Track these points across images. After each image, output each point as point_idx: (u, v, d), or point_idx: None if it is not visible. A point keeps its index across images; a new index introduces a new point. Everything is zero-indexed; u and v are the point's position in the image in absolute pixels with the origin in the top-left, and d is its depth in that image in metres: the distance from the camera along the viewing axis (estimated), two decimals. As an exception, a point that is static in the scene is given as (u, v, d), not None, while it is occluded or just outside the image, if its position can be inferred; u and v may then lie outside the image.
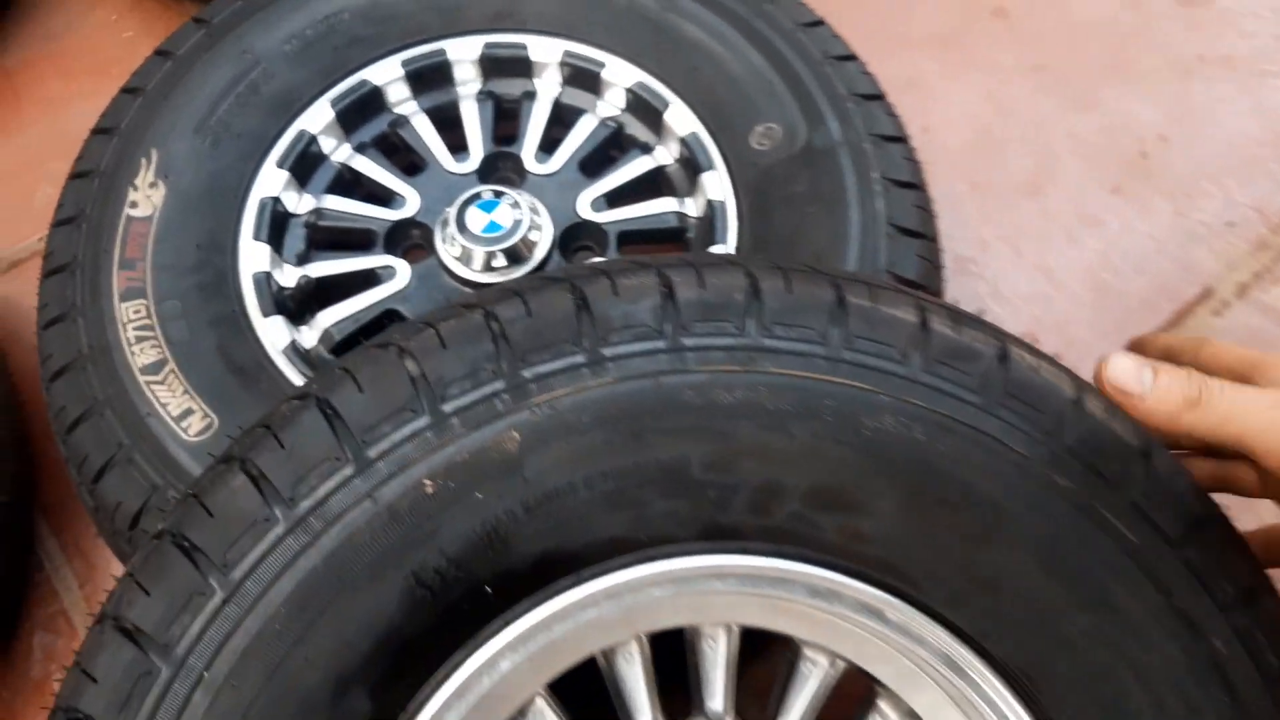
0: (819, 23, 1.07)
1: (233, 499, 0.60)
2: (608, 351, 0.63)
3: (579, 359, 0.63)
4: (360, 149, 1.12)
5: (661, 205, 1.09)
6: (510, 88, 1.16)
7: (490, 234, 1.00)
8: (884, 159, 0.97)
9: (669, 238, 1.08)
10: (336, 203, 1.09)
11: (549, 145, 1.13)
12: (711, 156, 1.03)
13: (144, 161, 1.01)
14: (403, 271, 1.04)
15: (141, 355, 0.90)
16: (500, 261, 1.01)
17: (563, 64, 1.12)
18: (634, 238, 1.08)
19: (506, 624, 0.63)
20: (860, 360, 0.62)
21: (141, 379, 0.89)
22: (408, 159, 1.14)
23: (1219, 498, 0.66)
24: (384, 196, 1.10)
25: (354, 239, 1.08)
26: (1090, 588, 0.62)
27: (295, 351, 0.94)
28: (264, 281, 0.97)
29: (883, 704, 0.73)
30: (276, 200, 1.03)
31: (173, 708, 0.57)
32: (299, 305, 1.02)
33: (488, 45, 1.12)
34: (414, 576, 0.60)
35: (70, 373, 0.91)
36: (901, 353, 0.63)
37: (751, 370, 0.62)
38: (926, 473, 0.61)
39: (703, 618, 0.72)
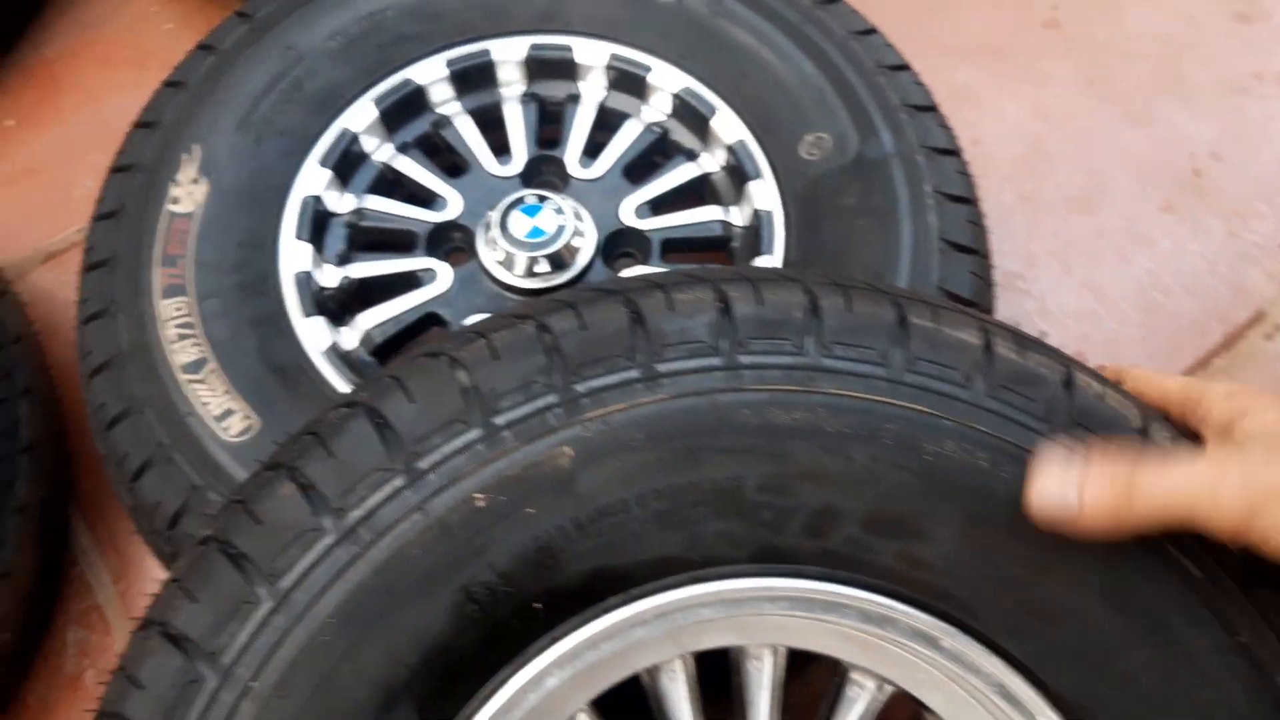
0: (872, 31, 1.06)
1: (281, 507, 0.60)
2: (662, 367, 0.62)
3: (633, 374, 0.62)
4: (402, 149, 1.11)
5: (706, 214, 1.07)
6: (554, 90, 1.15)
7: (533, 239, 0.99)
8: (937, 172, 0.96)
9: (713, 246, 1.07)
10: (378, 203, 1.08)
11: (592, 150, 1.12)
12: (759, 165, 1.02)
13: (185, 157, 1.01)
14: (444, 274, 1.03)
15: (182, 353, 0.89)
16: (543, 267, 1.00)
17: (608, 67, 1.11)
18: (678, 246, 1.06)
19: (554, 641, 0.62)
20: (922, 383, 0.61)
21: (182, 377, 0.88)
22: (449, 160, 1.13)
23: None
24: (425, 198, 1.09)
25: (395, 240, 1.07)
26: (1151, 621, 0.60)
27: (335, 353, 0.93)
28: (305, 281, 0.97)
29: (931, 731, 0.72)
30: (318, 199, 1.02)
31: (219, 717, 0.57)
32: (340, 306, 1.01)
33: (533, 47, 1.11)
34: (464, 591, 0.59)
35: (110, 369, 0.90)
36: (965, 376, 0.61)
37: (810, 390, 0.61)
38: (988, 500, 0.60)
39: (750, 638, 0.70)
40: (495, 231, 1.00)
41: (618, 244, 1.07)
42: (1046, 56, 1.42)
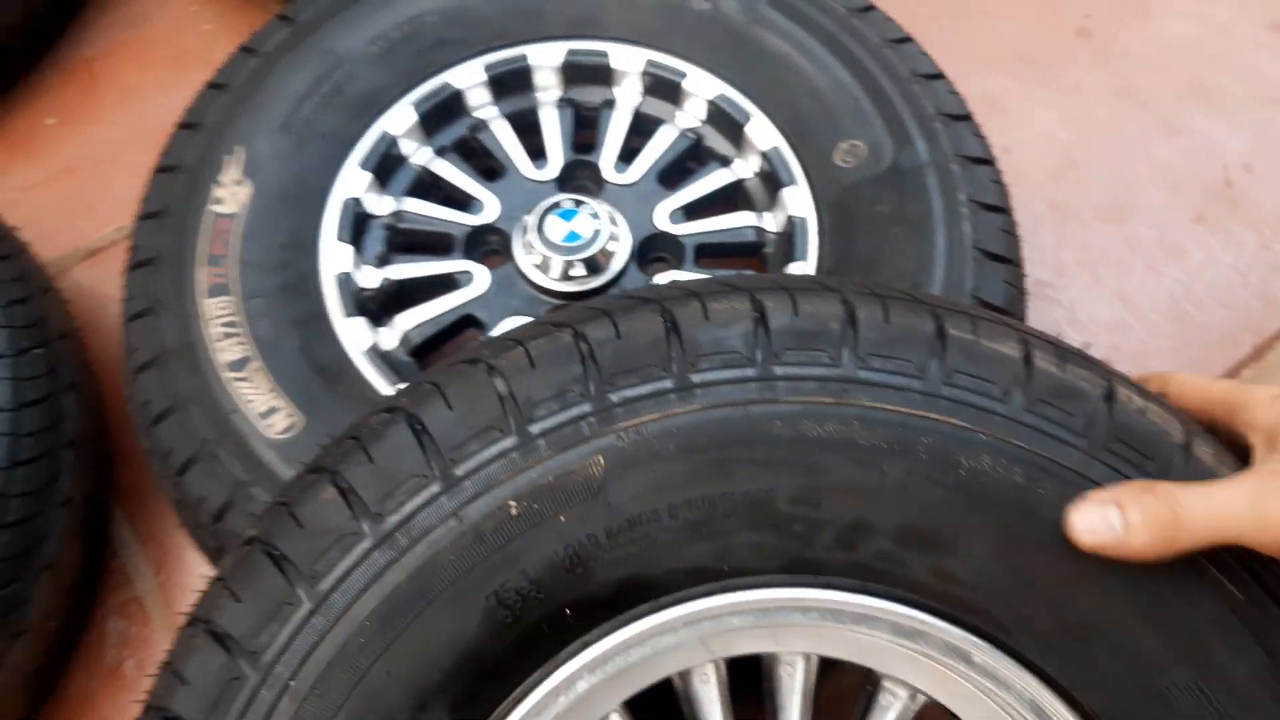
0: (907, 39, 1.05)
1: (322, 511, 0.61)
2: (696, 378, 0.62)
3: (667, 384, 0.62)
4: (440, 152, 1.12)
5: (740, 219, 1.08)
6: (590, 95, 1.15)
7: (570, 243, 1.00)
8: (971, 181, 0.95)
9: (746, 252, 1.07)
10: (416, 205, 1.09)
11: (627, 155, 1.13)
12: (793, 172, 1.02)
13: (228, 158, 1.02)
14: (481, 277, 1.04)
15: (226, 351, 0.91)
16: (579, 271, 1.00)
17: (644, 73, 1.12)
18: (711, 251, 1.07)
19: (585, 646, 0.62)
20: (959, 396, 0.61)
21: (226, 375, 0.90)
22: (486, 164, 1.14)
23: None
24: (462, 201, 1.10)
25: (433, 242, 1.08)
26: (1190, 642, 0.60)
27: (375, 353, 0.95)
28: (345, 282, 0.98)
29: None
30: (358, 201, 1.03)
31: (259, 713, 0.58)
32: (379, 307, 1.02)
33: (570, 52, 1.12)
34: (496, 597, 0.60)
35: (155, 367, 0.92)
36: (1003, 390, 0.61)
37: (844, 403, 0.61)
38: (1024, 516, 0.60)
39: (782, 647, 0.71)
40: (532, 235, 1.01)
41: (652, 248, 1.07)
42: (1078, 65, 1.41)
